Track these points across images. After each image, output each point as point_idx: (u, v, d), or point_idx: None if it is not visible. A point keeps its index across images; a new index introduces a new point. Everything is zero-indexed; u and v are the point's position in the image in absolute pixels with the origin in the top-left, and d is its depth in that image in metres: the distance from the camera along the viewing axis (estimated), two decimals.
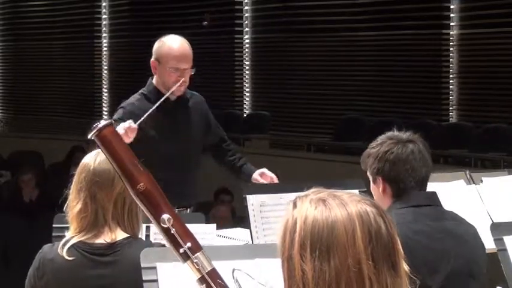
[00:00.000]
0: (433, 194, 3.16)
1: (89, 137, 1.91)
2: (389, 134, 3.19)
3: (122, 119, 4.41)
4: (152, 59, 4.63)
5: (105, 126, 1.90)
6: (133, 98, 4.66)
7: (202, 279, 1.82)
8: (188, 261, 1.82)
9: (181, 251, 1.83)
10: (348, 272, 1.65)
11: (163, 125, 4.58)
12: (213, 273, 1.83)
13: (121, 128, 4.17)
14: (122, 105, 4.61)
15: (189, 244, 1.83)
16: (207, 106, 4.90)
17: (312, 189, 1.76)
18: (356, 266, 1.64)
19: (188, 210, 4.60)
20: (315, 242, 1.66)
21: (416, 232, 3.00)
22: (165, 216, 1.84)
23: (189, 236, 1.84)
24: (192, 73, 4.64)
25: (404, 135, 3.16)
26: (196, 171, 4.76)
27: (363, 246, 1.65)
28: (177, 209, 4.43)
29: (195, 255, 1.82)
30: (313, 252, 1.66)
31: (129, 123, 4.25)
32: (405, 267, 1.72)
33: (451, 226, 3.10)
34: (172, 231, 1.83)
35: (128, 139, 4.13)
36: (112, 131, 1.90)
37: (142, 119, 4.32)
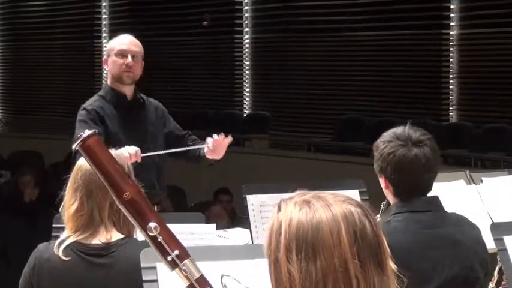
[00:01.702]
0: (434, 199, 3.10)
1: (73, 147, 1.91)
2: (400, 131, 3.08)
3: (85, 121, 4.48)
4: (104, 57, 4.76)
5: (89, 136, 1.89)
6: (92, 100, 4.72)
7: (190, 287, 1.82)
8: (176, 269, 1.83)
9: (169, 259, 1.83)
10: (334, 272, 1.65)
11: (121, 124, 4.59)
12: (202, 280, 1.83)
13: (126, 152, 4.20)
14: (83, 106, 4.65)
15: (176, 252, 1.83)
16: (166, 110, 4.86)
17: (297, 192, 1.77)
18: (342, 265, 1.65)
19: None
20: (300, 243, 1.67)
21: (408, 241, 2.95)
22: (152, 225, 1.84)
23: (177, 244, 1.85)
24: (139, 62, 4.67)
25: (415, 134, 3.05)
26: (156, 170, 4.70)
27: (348, 246, 1.66)
28: None
29: (183, 262, 1.82)
30: (299, 254, 1.67)
31: (135, 149, 4.28)
32: (392, 265, 1.72)
33: (450, 232, 3.04)
34: (159, 240, 1.83)
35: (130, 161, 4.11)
36: (96, 140, 1.90)
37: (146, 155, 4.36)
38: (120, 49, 4.65)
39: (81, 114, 4.59)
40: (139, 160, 4.26)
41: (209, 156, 4.60)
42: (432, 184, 3.12)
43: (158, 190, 4.63)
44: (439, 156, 3.14)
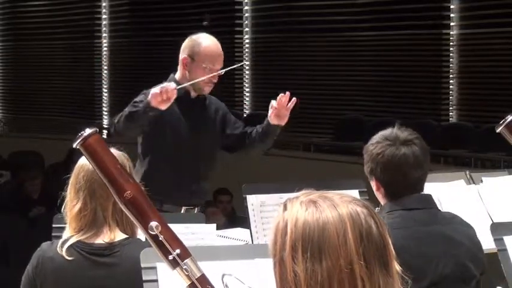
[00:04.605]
0: (427, 197, 3.12)
1: (74, 146, 1.90)
2: (388, 132, 3.12)
3: (144, 94, 4.46)
4: (185, 55, 4.65)
5: (90, 135, 1.89)
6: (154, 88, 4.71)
7: (192, 286, 1.82)
8: (177, 268, 1.83)
9: (170, 258, 1.83)
10: (340, 273, 1.65)
11: (180, 119, 4.60)
12: (203, 280, 1.83)
13: (157, 88, 4.27)
14: (144, 91, 4.60)
15: (177, 251, 1.83)
16: (227, 111, 4.86)
17: (303, 191, 1.76)
18: (348, 266, 1.65)
19: (196, 209, 4.56)
20: (306, 243, 1.67)
21: (404, 237, 2.95)
22: (153, 224, 1.84)
23: (178, 243, 1.85)
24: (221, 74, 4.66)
25: (402, 134, 3.09)
26: (208, 169, 4.73)
27: (354, 247, 1.66)
28: (184, 208, 4.50)
29: (184, 261, 1.82)
30: (305, 253, 1.66)
31: (169, 84, 4.33)
32: (397, 266, 1.72)
33: (444, 229, 3.05)
34: (160, 238, 1.83)
35: (162, 100, 4.23)
36: (97, 139, 1.89)
37: (181, 86, 4.43)
38: (213, 65, 4.62)
39: (140, 96, 4.51)
40: (175, 95, 4.28)
41: (273, 122, 4.62)
42: (424, 182, 3.13)
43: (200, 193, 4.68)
44: (428, 154, 3.16)
